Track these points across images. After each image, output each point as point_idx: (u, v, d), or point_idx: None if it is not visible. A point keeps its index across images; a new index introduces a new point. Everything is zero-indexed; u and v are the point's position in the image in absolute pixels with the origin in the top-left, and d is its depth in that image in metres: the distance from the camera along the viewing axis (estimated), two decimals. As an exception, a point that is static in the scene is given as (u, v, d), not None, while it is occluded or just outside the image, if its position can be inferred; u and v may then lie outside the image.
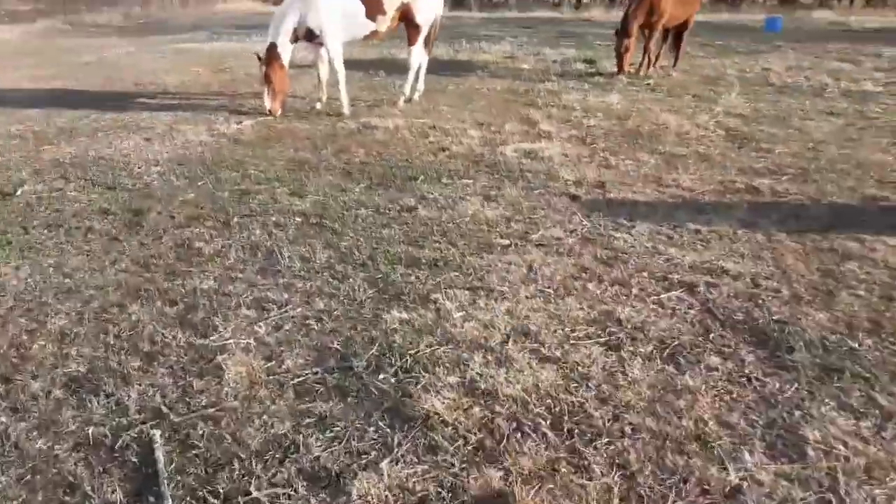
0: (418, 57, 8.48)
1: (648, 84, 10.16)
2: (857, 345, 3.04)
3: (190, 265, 4.02)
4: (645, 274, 3.79)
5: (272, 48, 7.56)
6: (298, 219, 4.72)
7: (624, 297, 3.52)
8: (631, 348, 3.04)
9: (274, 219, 4.71)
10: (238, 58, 12.98)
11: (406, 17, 8.04)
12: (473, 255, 4.07)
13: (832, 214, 4.69)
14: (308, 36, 7.68)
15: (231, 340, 3.19)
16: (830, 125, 7.35)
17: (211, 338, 3.22)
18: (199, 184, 5.49)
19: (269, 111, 7.79)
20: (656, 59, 11.23)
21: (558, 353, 3.01)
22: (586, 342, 3.10)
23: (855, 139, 6.73)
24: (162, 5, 31.47)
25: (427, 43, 8.58)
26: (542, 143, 6.55)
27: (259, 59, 7.61)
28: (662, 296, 3.52)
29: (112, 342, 3.19)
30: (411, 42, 8.30)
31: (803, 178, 5.45)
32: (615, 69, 10.82)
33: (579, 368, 2.89)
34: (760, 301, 3.46)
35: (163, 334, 3.25)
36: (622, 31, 10.30)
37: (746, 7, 33.62)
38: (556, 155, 6.17)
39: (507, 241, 4.27)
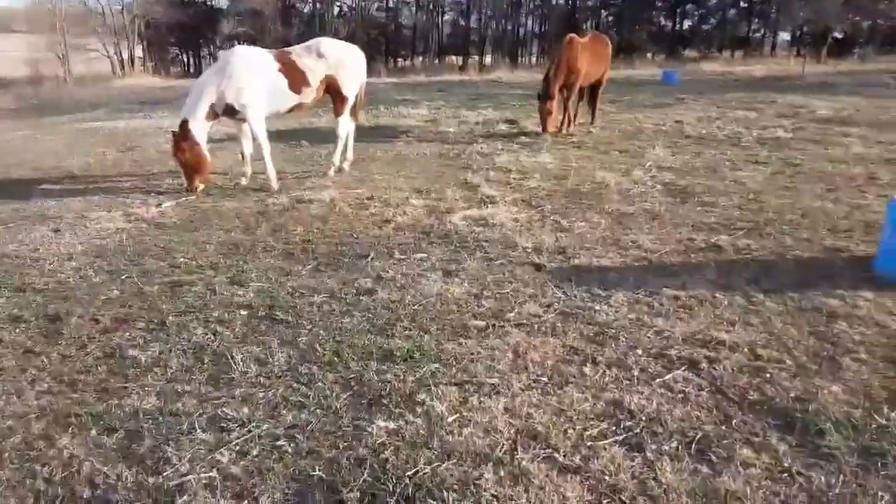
0: (346, 126, 8.21)
1: (573, 142, 10.29)
2: (884, 420, 2.84)
3: (125, 379, 3.44)
4: (640, 351, 3.52)
5: (184, 125, 7.04)
6: (244, 312, 4.22)
7: (627, 382, 3.23)
8: (654, 446, 2.73)
9: (216, 314, 4.19)
10: (147, 135, 12.27)
11: (332, 89, 7.77)
12: (451, 342, 3.70)
13: (801, 270, 4.63)
14: (229, 112, 7.24)
15: (190, 477, 2.67)
16: (761, 175, 7.54)
17: (164, 474, 2.70)
18: (123, 278, 4.88)
19: (188, 190, 7.26)
20: (575, 116, 11.48)
21: (577, 460, 2.66)
22: (603, 442, 2.77)
23: (790, 188, 6.89)
24: (56, 85, 29.91)
25: (354, 112, 8.32)
26: (490, 209, 6.33)
27: (173, 136, 7.08)
28: (667, 377, 3.25)
29: (42, 488, 2.63)
30: (338, 112, 8.02)
31: (758, 232, 5.44)
32: (539, 129, 10.94)
33: (606, 478, 2.55)
34: (768, 375, 3.25)
35: (105, 473, 2.70)
36: (544, 95, 10.49)
37: (639, 63, 35.81)
38: (507, 221, 5.95)
39: (482, 323, 3.93)
